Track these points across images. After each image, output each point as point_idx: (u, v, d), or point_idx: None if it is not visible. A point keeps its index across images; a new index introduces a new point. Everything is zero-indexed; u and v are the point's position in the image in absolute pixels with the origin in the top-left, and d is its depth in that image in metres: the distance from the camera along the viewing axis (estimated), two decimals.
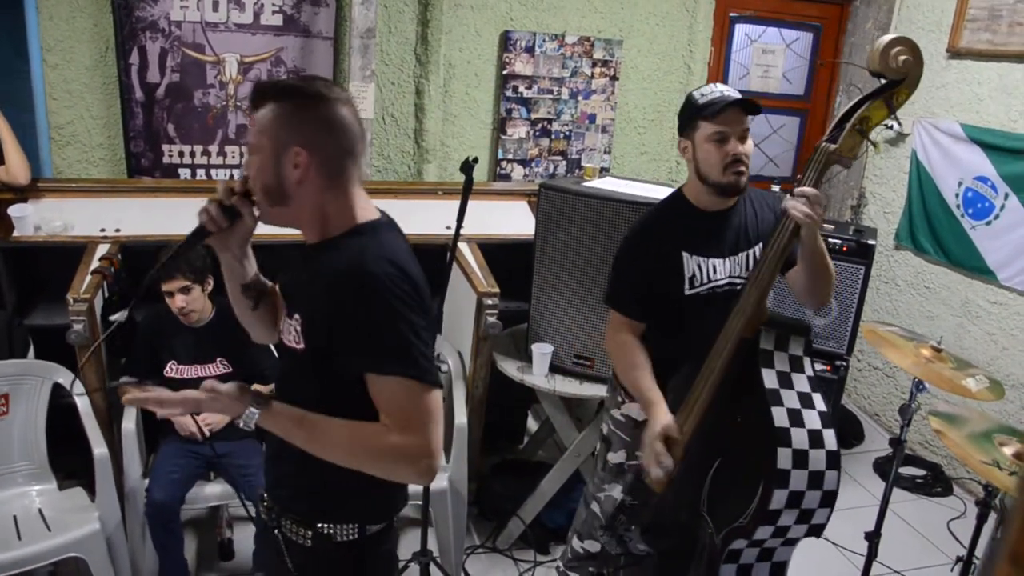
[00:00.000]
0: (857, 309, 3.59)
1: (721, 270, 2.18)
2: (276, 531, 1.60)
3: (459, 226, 2.48)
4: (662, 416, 2.07)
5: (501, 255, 3.47)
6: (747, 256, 2.19)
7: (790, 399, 1.91)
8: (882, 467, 4.12)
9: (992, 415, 2.70)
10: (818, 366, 3.67)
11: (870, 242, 3.55)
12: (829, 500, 1.89)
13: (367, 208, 1.51)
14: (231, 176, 3.79)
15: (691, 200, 2.21)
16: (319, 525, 1.55)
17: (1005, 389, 2.37)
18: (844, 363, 3.64)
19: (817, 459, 1.86)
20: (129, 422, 2.76)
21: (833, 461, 1.88)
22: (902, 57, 1.85)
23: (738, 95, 2.07)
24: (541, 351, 3.15)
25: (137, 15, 3.45)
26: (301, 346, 1.46)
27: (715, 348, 1.99)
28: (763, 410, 1.89)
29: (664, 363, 2.20)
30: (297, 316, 1.48)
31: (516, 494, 3.34)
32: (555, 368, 3.18)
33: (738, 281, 2.18)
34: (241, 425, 1.44)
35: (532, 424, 4.16)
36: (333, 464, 1.43)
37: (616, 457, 2.45)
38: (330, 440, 1.42)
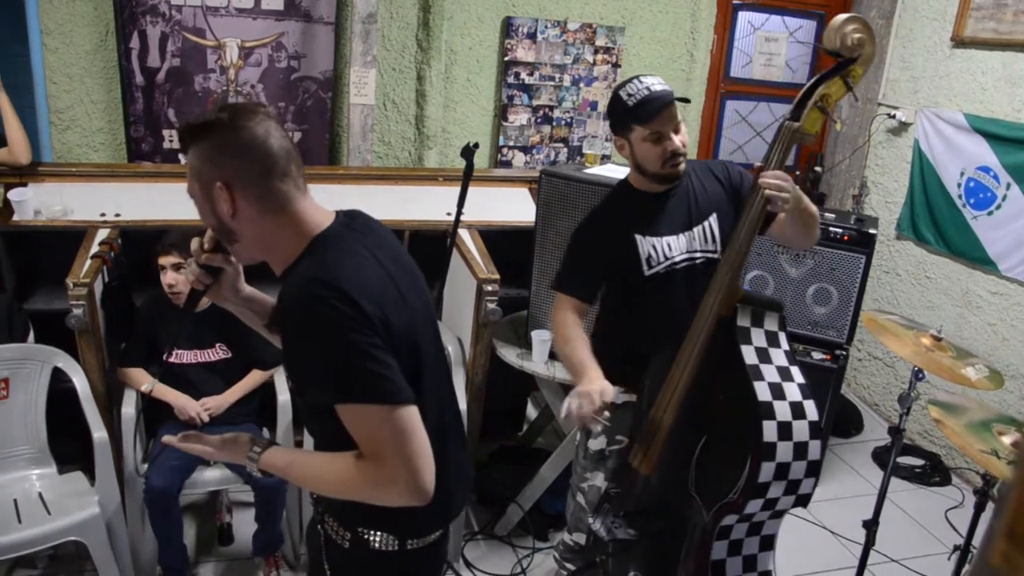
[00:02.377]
0: (857, 298, 3.57)
1: (676, 247, 2.22)
2: (319, 526, 1.61)
3: (459, 212, 2.47)
4: (596, 379, 2.03)
5: (501, 242, 3.46)
6: (703, 229, 2.23)
7: (770, 373, 1.95)
8: (881, 457, 4.12)
9: (991, 405, 2.70)
10: (817, 355, 3.67)
11: (871, 231, 3.54)
12: (814, 469, 1.93)
13: (318, 218, 1.44)
14: None
15: (636, 186, 2.27)
16: (359, 529, 1.54)
17: (1005, 379, 2.37)
18: (844, 352, 3.63)
19: (800, 430, 1.90)
20: (129, 407, 2.76)
21: (815, 431, 1.92)
22: (856, 35, 1.93)
23: (663, 88, 2.11)
24: (541, 338, 3.14)
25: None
26: (290, 384, 1.53)
27: (692, 327, 2.02)
28: (746, 385, 1.92)
29: (638, 346, 2.24)
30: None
31: (515, 481, 3.35)
32: (555, 355, 3.18)
33: (697, 255, 2.21)
34: (251, 471, 1.54)
35: (532, 411, 4.16)
36: None
37: (596, 443, 2.47)
38: (315, 478, 1.44)
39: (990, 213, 3.81)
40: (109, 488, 2.68)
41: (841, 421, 4.27)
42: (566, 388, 3.24)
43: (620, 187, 2.33)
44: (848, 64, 1.98)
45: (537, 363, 3.16)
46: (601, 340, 2.35)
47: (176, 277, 2.78)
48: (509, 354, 3.22)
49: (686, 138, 2.16)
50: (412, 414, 1.35)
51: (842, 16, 1.96)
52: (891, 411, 4.50)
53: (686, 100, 2.14)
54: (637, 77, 2.15)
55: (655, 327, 2.17)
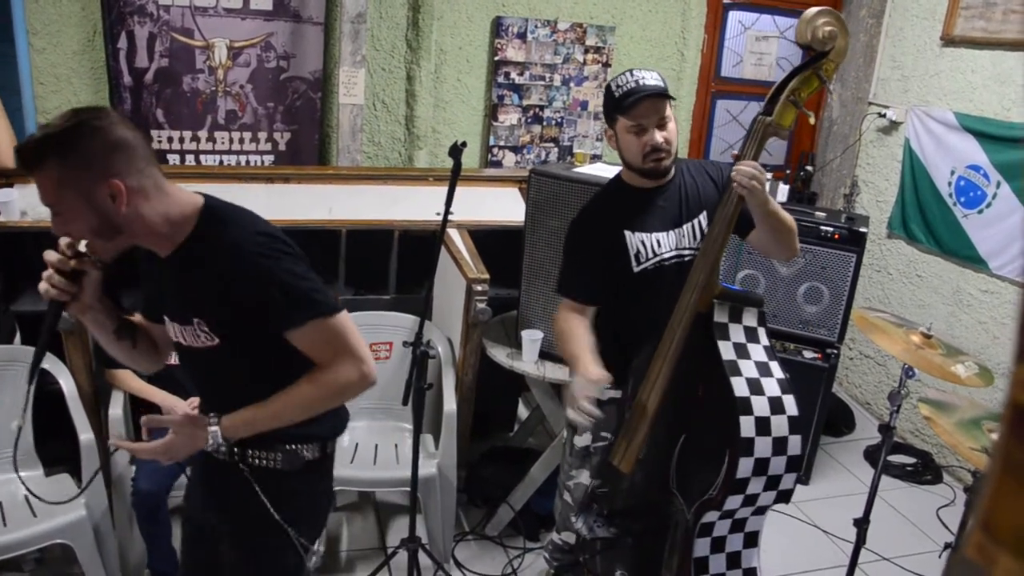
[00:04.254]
0: (848, 297, 3.58)
1: (666, 243, 2.21)
2: (240, 465, 1.66)
3: (447, 211, 2.46)
4: (590, 365, 2.05)
5: (491, 242, 3.45)
6: (692, 226, 2.23)
7: (748, 369, 1.95)
8: (872, 455, 4.12)
9: (982, 402, 2.70)
10: (809, 354, 3.67)
11: (862, 230, 3.54)
12: (795, 465, 1.93)
13: (188, 195, 1.57)
14: (221, 161, 3.76)
15: (627, 181, 2.27)
16: (288, 447, 1.68)
17: (995, 376, 2.37)
18: (835, 351, 3.63)
19: (779, 425, 1.90)
20: (116, 408, 2.74)
21: (795, 426, 1.92)
22: (827, 28, 1.93)
23: (654, 82, 2.11)
24: (531, 337, 3.13)
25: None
26: (215, 342, 1.56)
27: (670, 323, 2.03)
28: (723, 381, 1.93)
29: (626, 343, 2.23)
30: (197, 320, 1.56)
31: (505, 481, 3.34)
32: (545, 355, 3.17)
33: (686, 253, 2.21)
34: (210, 449, 1.60)
35: (522, 412, 4.15)
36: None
37: (582, 440, 2.46)
38: (283, 411, 1.59)
39: (980, 211, 3.81)
40: (96, 490, 2.66)
41: (833, 420, 4.27)
42: (556, 387, 3.24)
43: (612, 183, 2.34)
44: (820, 58, 1.98)
45: (527, 363, 3.15)
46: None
47: None
48: (499, 354, 3.21)
49: (673, 136, 2.15)
50: (346, 316, 1.59)
51: (813, 9, 1.95)
52: (883, 410, 4.50)
53: (669, 96, 2.13)
54: (631, 70, 2.15)
55: (643, 323, 2.17)
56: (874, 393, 4.59)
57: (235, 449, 1.65)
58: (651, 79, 2.11)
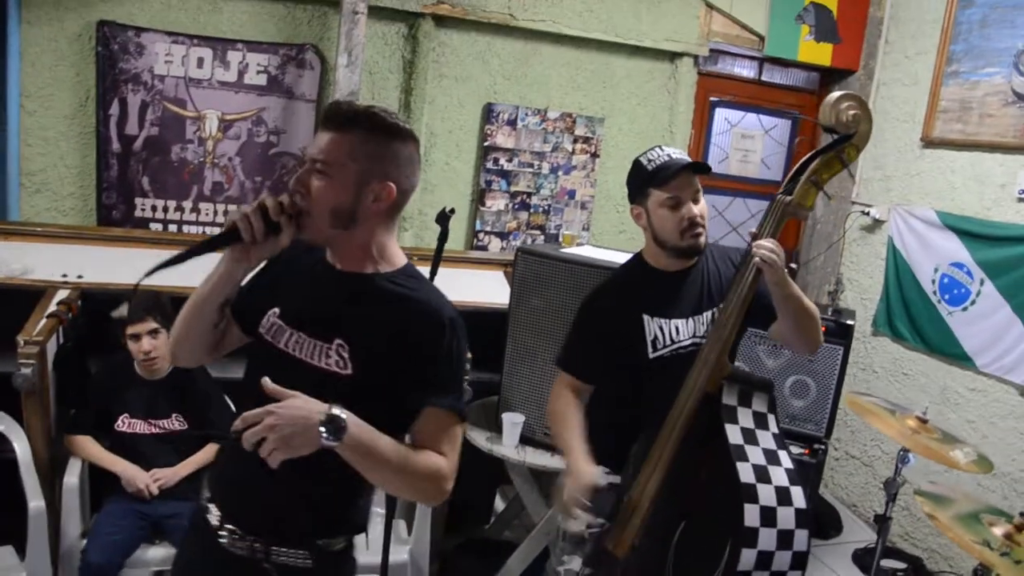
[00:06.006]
0: (836, 391, 3.53)
1: (684, 331, 2.13)
2: (265, 564, 1.54)
3: (433, 276, 2.40)
4: (581, 461, 1.98)
5: (474, 325, 3.33)
6: (712, 314, 2.15)
7: (755, 455, 1.86)
8: (862, 559, 3.97)
9: (976, 495, 2.61)
10: (796, 450, 3.58)
11: (849, 322, 3.53)
12: (800, 562, 1.82)
13: (400, 250, 1.61)
14: (203, 232, 3.71)
15: (650, 262, 2.20)
16: (319, 542, 1.57)
17: (993, 465, 2.30)
18: (823, 446, 3.55)
19: (786, 517, 1.80)
20: (72, 476, 2.60)
21: (802, 519, 1.82)
22: (852, 112, 1.93)
23: (685, 157, 2.09)
24: (512, 420, 3.03)
25: (121, 67, 3.44)
26: (348, 372, 1.48)
27: (677, 402, 1.95)
28: (728, 465, 1.84)
29: (632, 429, 2.12)
30: (339, 341, 1.49)
31: (481, 574, 3.17)
32: (526, 440, 3.07)
33: (702, 342, 2.11)
34: (324, 441, 1.37)
35: (500, 505, 3.99)
36: (331, 476, 1.47)
37: (575, 525, 2.34)
38: (391, 459, 1.45)
39: (965, 309, 3.81)
40: (41, 564, 2.48)
41: (820, 522, 4.14)
42: (536, 474, 3.12)
43: (633, 262, 2.26)
44: (844, 141, 1.97)
45: (507, 447, 3.04)
46: (594, 417, 2.24)
47: (154, 343, 2.69)
48: (478, 437, 3.10)
49: (706, 211, 2.10)
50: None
51: (837, 93, 1.97)
52: (870, 512, 4.36)
53: (706, 167, 2.11)
54: (659, 146, 2.14)
55: (651, 410, 2.06)
56: (861, 495, 4.47)
57: (256, 546, 1.54)
58: (681, 155, 2.10)
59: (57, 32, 3.39)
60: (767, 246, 1.91)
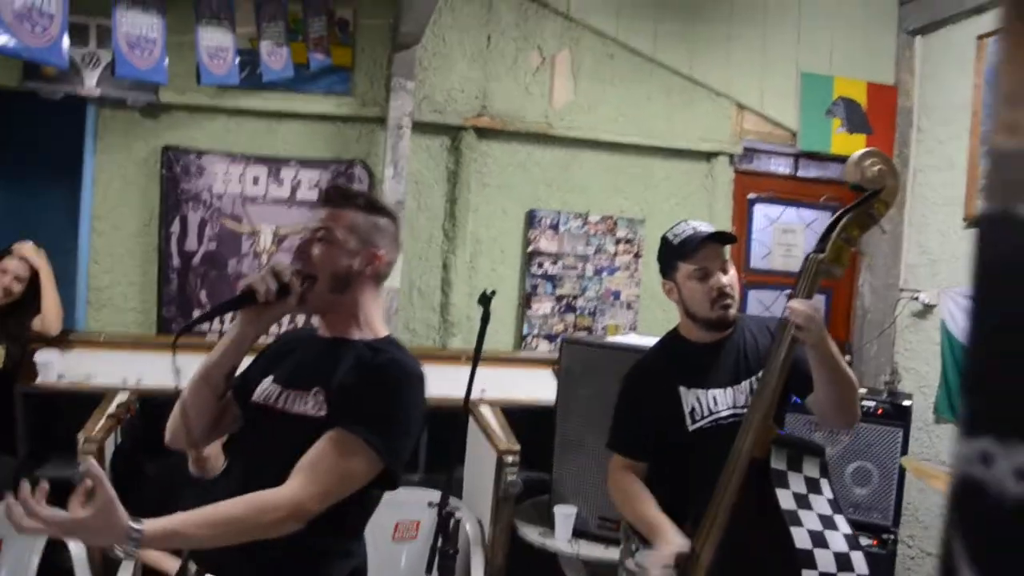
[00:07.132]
0: (900, 476, 3.38)
1: (723, 401, 2.10)
2: None
3: (476, 361, 2.44)
4: (671, 535, 1.92)
5: (523, 423, 3.37)
6: (750, 384, 2.10)
7: (810, 520, 1.79)
8: None
9: None
10: (863, 541, 3.41)
11: (906, 403, 3.43)
12: None
13: (384, 325, 1.75)
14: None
15: (685, 336, 2.20)
16: None
17: None
18: (892, 535, 3.37)
19: None
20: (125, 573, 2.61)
21: None
22: (876, 167, 1.93)
23: (711, 228, 2.11)
24: (564, 512, 2.98)
25: (183, 187, 3.68)
26: (323, 414, 1.58)
27: (725, 469, 1.90)
28: (782, 532, 1.76)
29: (680, 505, 2.06)
30: (317, 388, 1.61)
31: None
32: (579, 532, 3.00)
33: (743, 412, 2.07)
34: (119, 544, 1.37)
35: None
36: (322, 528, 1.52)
37: None
38: (219, 517, 1.46)
39: None
40: None
41: None
42: (590, 566, 3.02)
43: (668, 338, 2.27)
44: (872, 197, 1.96)
45: (560, 540, 2.97)
46: None
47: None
48: (530, 532, 3.05)
49: (735, 282, 2.10)
50: (367, 476, 1.54)
51: (859, 152, 1.98)
52: None
53: (732, 237, 2.14)
54: (685, 220, 2.17)
55: (697, 486, 2.01)
56: None
57: None
58: (706, 226, 2.13)
59: (126, 158, 3.66)
60: (801, 307, 1.89)
